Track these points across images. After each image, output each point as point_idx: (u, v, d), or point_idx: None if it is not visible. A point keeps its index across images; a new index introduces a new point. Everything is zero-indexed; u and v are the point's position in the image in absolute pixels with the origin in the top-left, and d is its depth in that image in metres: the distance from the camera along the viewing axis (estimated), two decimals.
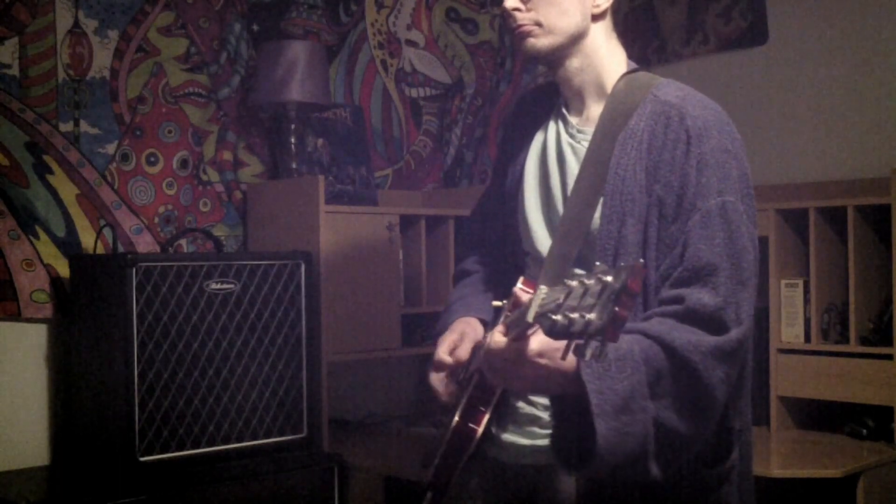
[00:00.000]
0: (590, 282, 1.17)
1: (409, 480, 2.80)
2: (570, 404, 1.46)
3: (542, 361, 1.41)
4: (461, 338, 1.72)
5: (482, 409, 1.62)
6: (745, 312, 1.49)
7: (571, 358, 1.40)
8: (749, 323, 1.50)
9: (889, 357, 2.72)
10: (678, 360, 1.43)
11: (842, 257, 2.88)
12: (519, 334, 1.38)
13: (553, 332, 1.19)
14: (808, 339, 2.89)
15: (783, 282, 2.94)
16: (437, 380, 1.70)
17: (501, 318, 1.66)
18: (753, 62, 3.37)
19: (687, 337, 1.44)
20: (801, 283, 2.91)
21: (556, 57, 1.66)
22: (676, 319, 1.46)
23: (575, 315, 1.15)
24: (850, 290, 2.82)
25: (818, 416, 2.96)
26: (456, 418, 1.63)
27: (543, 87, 1.85)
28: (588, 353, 1.19)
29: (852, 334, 2.81)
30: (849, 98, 3.14)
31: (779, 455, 2.75)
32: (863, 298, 2.83)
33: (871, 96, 3.09)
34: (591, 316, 1.13)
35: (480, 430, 1.61)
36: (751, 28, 3.36)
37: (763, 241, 2.91)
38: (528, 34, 1.63)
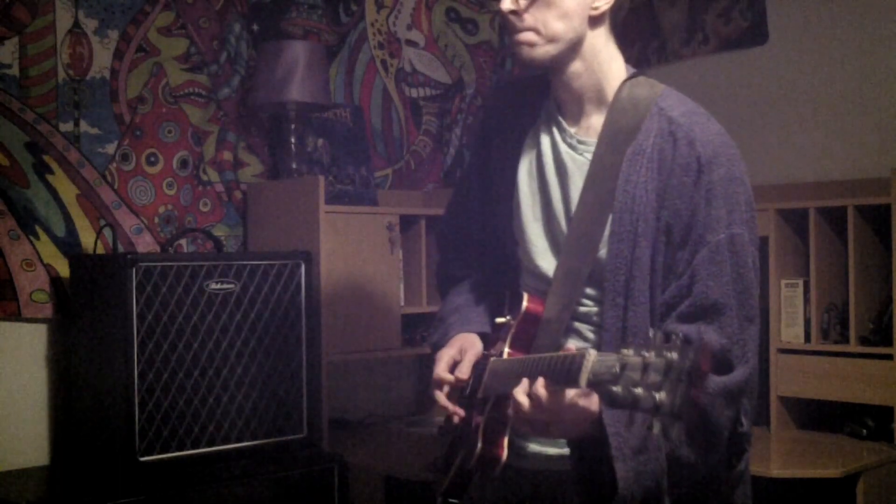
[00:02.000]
0: (649, 354, 1.18)
1: (409, 480, 2.80)
2: (590, 445, 1.49)
3: (576, 410, 1.43)
4: (460, 353, 1.71)
5: (501, 432, 1.62)
6: (751, 350, 1.51)
7: (593, 401, 1.44)
8: (755, 361, 1.52)
9: (889, 357, 2.72)
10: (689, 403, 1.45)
11: (842, 257, 2.88)
12: (563, 391, 1.39)
13: (614, 403, 1.22)
14: (808, 339, 2.89)
15: (783, 282, 2.94)
16: (442, 398, 1.69)
17: (509, 336, 1.66)
18: (753, 62, 3.37)
19: None
20: (801, 283, 2.91)
21: (555, 65, 1.61)
22: None
23: (639, 390, 1.18)
24: (850, 290, 2.82)
25: (818, 416, 2.96)
26: (479, 444, 1.62)
27: (524, 81, 1.78)
28: (657, 428, 1.20)
29: (852, 334, 2.81)
30: (849, 98, 3.14)
31: (779, 455, 2.75)
32: (863, 298, 2.83)
33: (871, 96, 3.09)
34: (662, 396, 1.16)
35: (505, 453, 1.61)
36: (751, 28, 3.36)
37: (763, 241, 2.91)
38: (525, 43, 1.58)
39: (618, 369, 1.20)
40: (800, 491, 2.67)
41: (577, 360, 1.31)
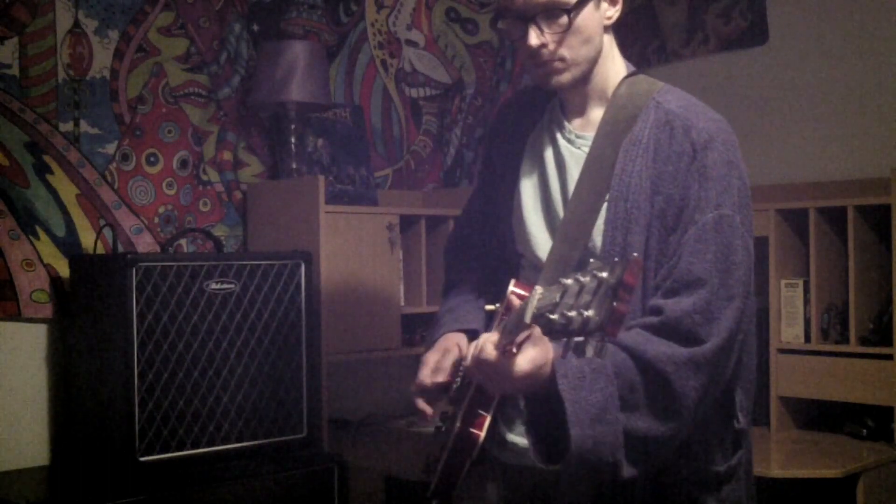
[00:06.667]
0: (585, 278, 1.18)
1: (409, 480, 2.80)
2: (547, 406, 1.49)
3: (529, 379, 1.44)
4: (443, 356, 1.73)
5: (483, 412, 1.62)
6: (725, 328, 1.51)
7: (543, 367, 1.44)
8: (727, 335, 1.51)
9: (889, 357, 2.72)
10: (651, 372, 1.46)
11: (842, 257, 2.88)
12: (513, 339, 1.39)
13: (551, 331, 1.21)
14: (808, 339, 2.89)
15: (783, 282, 2.94)
16: (420, 403, 1.72)
17: (496, 322, 1.67)
18: (753, 62, 3.37)
19: (661, 349, 1.47)
20: (801, 283, 2.91)
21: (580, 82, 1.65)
22: (653, 331, 1.49)
23: (573, 313, 1.17)
24: (850, 290, 2.82)
25: (818, 416, 2.96)
26: (457, 424, 1.62)
27: (533, 90, 1.83)
28: (590, 350, 1.20)
29: (852, 334, 2.81)
30: (849, 98, 3.14)
31: (779, 455, 2.75)
32: (863, 298, 2.83)
33: (871, 96, 3.09)
34: (589, 313, 1.15)
35: (483, 434, 1.61)
36: (751, 28, 3.36)
37: (763, 241, 2.91)
38: (553, 71, 1.61)
39: (558, 298, 1.20)
40: (800, 491, 2.67)
41: (525, 301, 1.32)
